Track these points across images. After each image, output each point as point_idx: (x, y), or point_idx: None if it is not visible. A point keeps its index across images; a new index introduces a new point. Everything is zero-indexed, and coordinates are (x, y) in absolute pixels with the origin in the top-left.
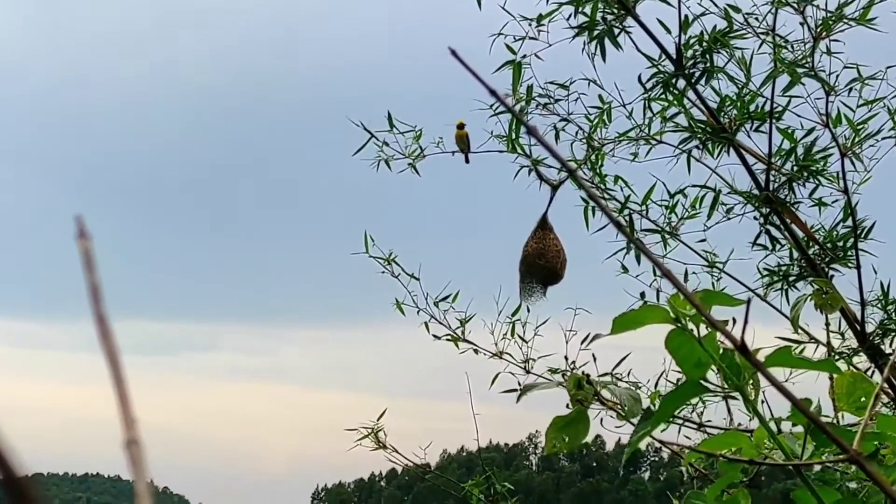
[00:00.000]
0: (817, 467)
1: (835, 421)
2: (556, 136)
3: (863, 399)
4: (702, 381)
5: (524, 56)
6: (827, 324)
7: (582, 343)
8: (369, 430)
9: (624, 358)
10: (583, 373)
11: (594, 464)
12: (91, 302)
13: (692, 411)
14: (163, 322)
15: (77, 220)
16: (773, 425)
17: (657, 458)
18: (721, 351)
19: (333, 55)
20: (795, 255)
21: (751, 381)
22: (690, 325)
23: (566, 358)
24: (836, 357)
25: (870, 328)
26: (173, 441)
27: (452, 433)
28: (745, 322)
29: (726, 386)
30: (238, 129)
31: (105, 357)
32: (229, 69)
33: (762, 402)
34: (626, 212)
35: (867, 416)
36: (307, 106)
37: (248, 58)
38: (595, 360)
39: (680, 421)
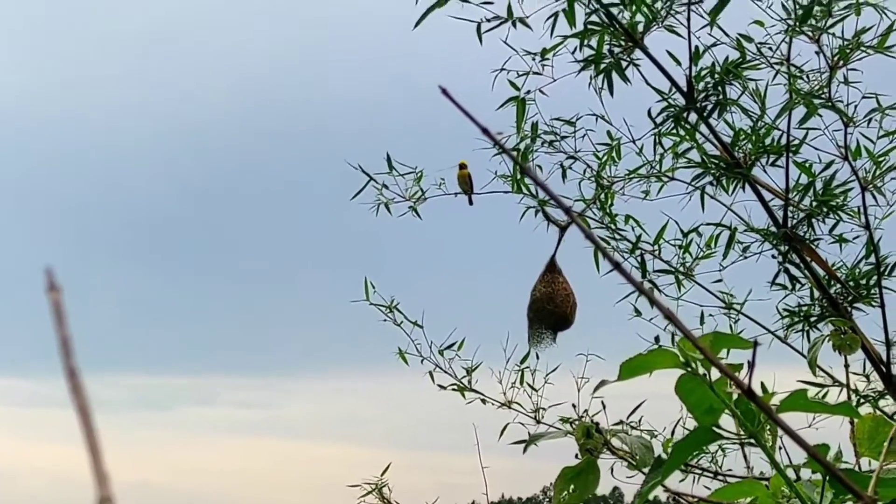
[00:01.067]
0: None
1: (856, 467)
2: (564, 175)
3: (886, 444)
4: (714, 428)
5: (528, 92)
6: (846, 365)
7: (592, 392)
8: (373, 486)
9: (638, 406)
10: (592, 420)
11: None
12: (62, 355)
13: (711, 461)
14: (156, 376)
15: (47, 272)
16: (791, 472)
17: None
18: (735, 396)
19: (330, 94)
20: (816, 294)
21: (767, 427)
22: (701, 370)
23: (574, 406)
24: (861, 401)
25: None
26: (166, 501)
27: (462, 488)
28: (752, 364)
29: (741, 433)
30: (231, 172)
31: (76, 412)
32: (217, 109)
33: (780, 448)
34: (637, 252)
35: (882, 459)
36: (303, 146)
37: (239, 96)
38: (605, 407)
39: (698, 471)
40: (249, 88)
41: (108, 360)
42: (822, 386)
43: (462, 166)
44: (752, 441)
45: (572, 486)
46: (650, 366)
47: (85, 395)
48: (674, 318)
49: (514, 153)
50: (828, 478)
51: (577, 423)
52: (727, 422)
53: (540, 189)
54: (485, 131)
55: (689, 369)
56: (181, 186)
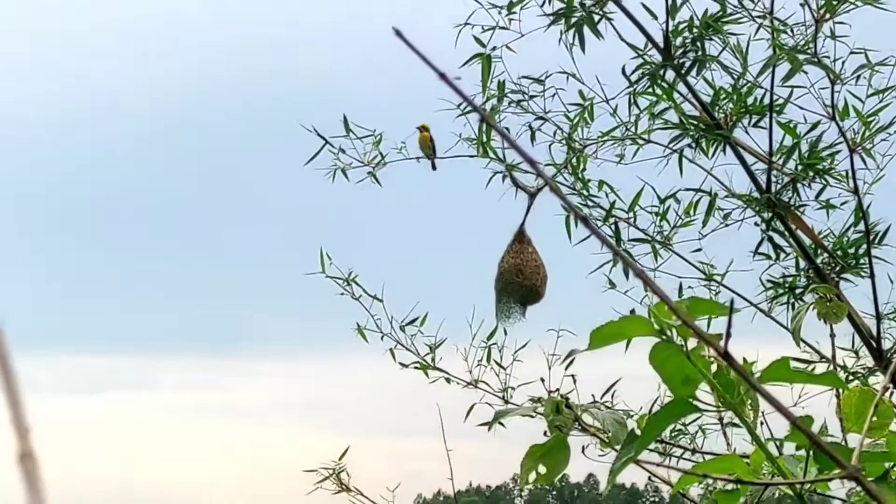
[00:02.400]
0: None
1: (842, 442)
2: (532, 137)
3: (874, 418)
4: (691, 400)
5: (494, 48)
6: (832, 335)
7: (565, 368)
8: (331, 471)
9: (612, 385)
10: (561, 396)
11: None
12: None
13: (690, 441)
14: (88, 356)
15: None
16: (772, 448)
17: (656, 499)
18: (714, 367)
19: (281, 55)
20: (802, 264)
21: (748, 402)
22: (677, 338)
23: (543, 382)
24: (851, 378)
25: (887, 344)
26: (100, 493)
27: (426, 474)
28: (729, 326)
29: (720, 406)
30: (177, 140)
31: None
32: (167, 75)
33: (761, 423)
34: (611, 220)
35: (864, 432)
36: (253, 112)
37: (186, 62)
38: (575, 382)
39: (677, 450)
40: (198, 51)
41: (32, 339)
42: (807, 362)
43: (423, 129)
44: (732, 415)
45: (541, 465)
46: (622, 333)
47: (3, 342)
48: (647, 280)
49: (479, 106)
50: (812, 452)
51: (545, 400)
52: (706, 397)
53: (508, 146)
54: (442, 76)
55: (664, 337)
56: (120, 156)
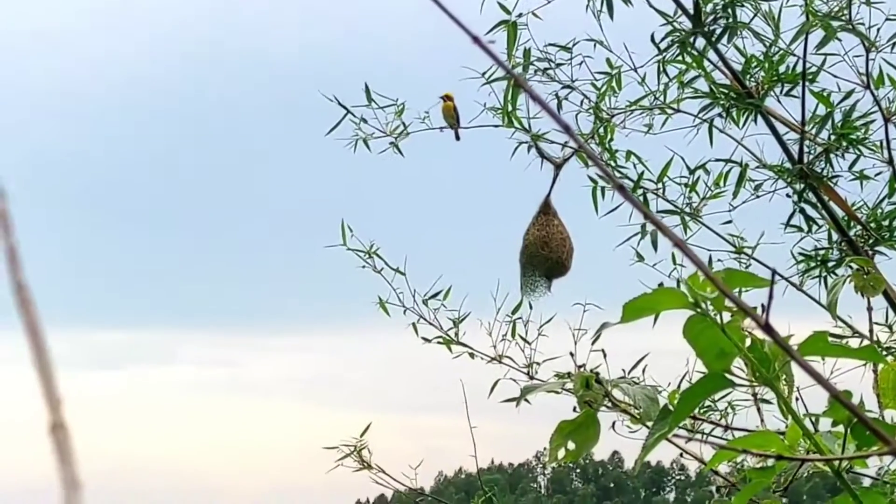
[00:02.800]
0: (866, 482)
1: (880, 418)
2: (559, 106)
3: None
4: (726, 374)
5: (520, 15)
6: (869, 308)
7: (592, 342)
8: (352, 448)
9: (641, 359)
10: (591, 371)
11: (611, 485)
12: (8, 268)
13: (720, 417)
14: (108, 331)
15: None
16: (808, 424)
17: (682, 477)
18: (749, 341)
19: (303, 25)
20: (835, 236)
21: (783, 377)
22: (712, 310)
23: (572, 356)
24: (885, 353)
25: None
26: (122, 471)
27: (448, 452)
28: (770, 300)
29: (755, 381)
30: (196, 114)
31: (25, 330)
32: (177, 47)
33: (796, 399)
34: (639, 192)
35: None
36: (271, 82)
37: (198, 34)
38: (605, 357)
39: (707, 426)
40: (215, 22)
41: (52, 314)
42: (840, 337)
43: (447, 98)
44: (767, 389)
45: (570, 442)
46: (656, 306)
47: (34, 311)
48: (685, 249)
49: (509, 68)
50: (850, 428)
51: (574, 375)
52: (739, 372)
53: (535, 115)
54: (475, 39)
55: (699, 310)
56: (135, 137)
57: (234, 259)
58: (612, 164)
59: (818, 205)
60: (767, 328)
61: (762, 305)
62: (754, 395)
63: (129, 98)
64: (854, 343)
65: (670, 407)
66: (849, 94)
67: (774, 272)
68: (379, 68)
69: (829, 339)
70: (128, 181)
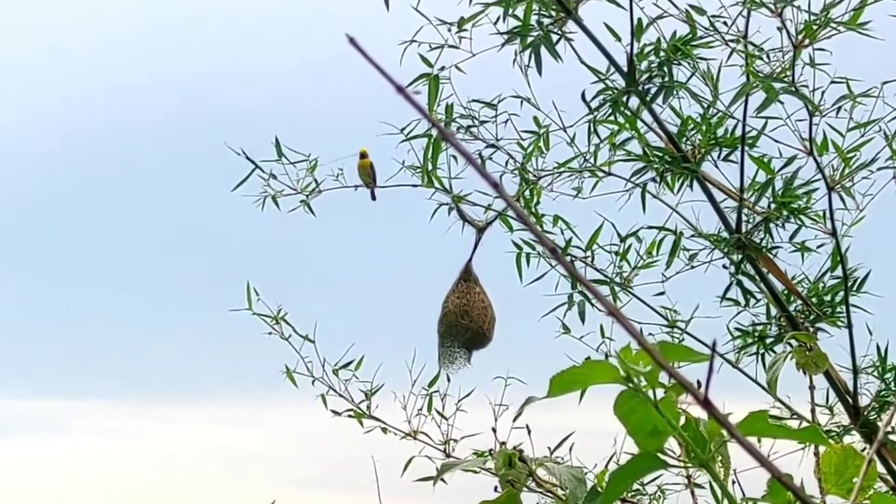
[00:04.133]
0: None
1: None
2: (482, 166)
3: (855, 480)
4: (658, 454)
5: (442, 68)
6: (811, 387)
7: (514, 419)
8: None
9: (567, 437)
10: (514, 448)
11: None
12: None
13: (650, 502)
14: None
15: None
16: None
17: None
18: (683, 420)
19: (207, 72)
20: (773, 311)
21: (719, 457)
22: (644, 386)
23: (494, 432)
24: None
25: (864, 401)
26: None
27: None
28: (710, 373)
29: (689, 462)
30: (86, 162)
31: None
32: (71, 86)
33: (733, 482)
34: (567, 259)
35: (854, 497)
36: (172, 132)
37: (95, 71)
38: (530, 433)
39: None
40: (106, 61)
41: None
42: (778, 418)
43: (363, 155)
44: (701, 472)
45: None
46: (585, 380)
47: None
48: (618, 315)
49: (435, 121)
50: None
51: (495, 453)
52: (671, 453)
53: (460, 167)
54: (399, 89)
55: (631, 385)
56: (20, 177)
57: (131, 322)
58: (539, 228)
59: (756, 277)
60: (706, 404)
61: (698, 381)
62: (688, 477)
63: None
64: (793, 425)
65: (599, 489)
66: (790, 161)
67: (715, 343)
68: (290, 120)
69: (769, 419)
70: (7, 235)
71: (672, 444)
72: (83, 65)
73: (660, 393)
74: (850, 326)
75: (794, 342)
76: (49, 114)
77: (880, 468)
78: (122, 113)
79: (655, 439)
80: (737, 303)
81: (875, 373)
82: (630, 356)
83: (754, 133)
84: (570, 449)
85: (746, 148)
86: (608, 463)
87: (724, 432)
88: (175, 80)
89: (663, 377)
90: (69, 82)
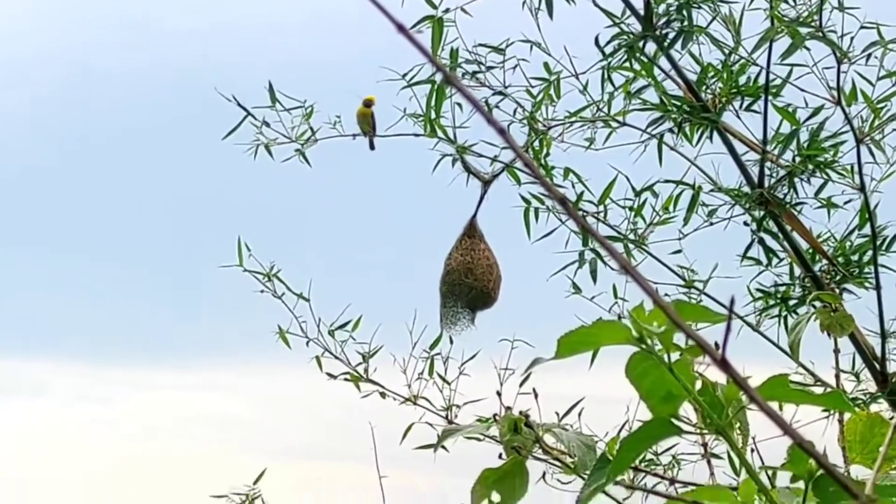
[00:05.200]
0: None
1: (846, 474)
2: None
3: (881, 449)
4: (673, 420)
5: (447, 11)
6: (836, 350)
7: (521, 383)
8: (243, 498)
9: (576, 404)
10: (521, 413)
11: None
12: None
13: (664, 472)
14: None
15: None
16: (764, 478)
17: None
18: (699, 384)
19: (189, 18)
20: (797, 271)
21: (737, 424)
22: (658, 347)
23: (499, 396)
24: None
25: (893, 367)
26: None
27: None
28: (727, 333)
29: (705, 429)
30: (67, 120)
31: None
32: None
33: (751, 451)
34: (578, 214)
35: (881, 458)
36: (158, 74)
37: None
38: (537, 398)
39: (648, 482)
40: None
41: None
42: (801, 384)
43: (367, 103)
44: (718, 441)
45: (494, 493)
46: (595, 340)
47: None
48: (631, 270)
49: (440, 65)
50: (811, 484)
51: (500, 418)
52: (686, 416)
53: (465, 116)
54: (400, 28)
55: (644, 346)
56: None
57: (113, 280)
58: (548, 179)
59: (779, 235)
60: (724, 364)
61: (715, 343)
62: (704, 445)
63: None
64: (817, 392)
65: (609, 456)
66: (817, 111)
67: (732, 301)
68: (285, 64)
69: (790, 384)
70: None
71: (687, 409)
72: (62, 17)
73: (675, 356)
74: (878, 288)
75: (818, 303)
76: (25, 66)
77: None
78: (104, 63)
79: (669, 404)
80: (758, 262)
81: None
82: (643, 316)
83: (778, 81)
84: (580, 415)
85: (770, 97)
86: (620, 430)
87: (743, 397)
88: (161, 28)
89: (678, 338)
90: (50, 34)
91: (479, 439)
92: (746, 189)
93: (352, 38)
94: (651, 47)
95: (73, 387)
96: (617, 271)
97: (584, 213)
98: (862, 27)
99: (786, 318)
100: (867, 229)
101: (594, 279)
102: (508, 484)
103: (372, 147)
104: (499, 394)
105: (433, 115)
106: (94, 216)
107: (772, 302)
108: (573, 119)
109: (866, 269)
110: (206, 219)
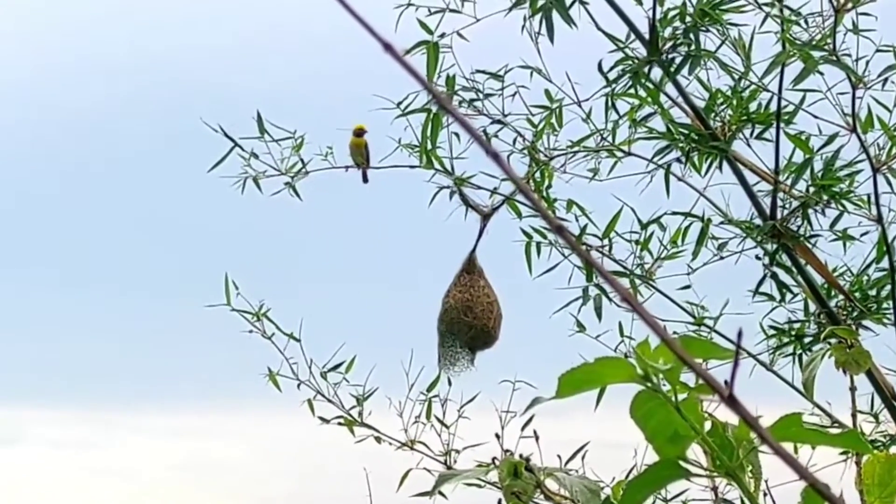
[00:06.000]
0: None
1: None
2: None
3: None
4: (681, 462)
5: (442, 35)
6: (852, 388)
7: (522, 427)
8: None
9: (581, 448)
10: (521, 456)
11: None
12: None
13: None
14: None
15: None
16: None
17: None
18: (708, 425)
19: (174, 42)
20: (812, 307)
21: (749, 466)
22: (665, 385)
23: (499, 439)
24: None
25: None
26: None
27: None
28: (735, 368)
29: (714, 472)
30: (46, 148)
31: None
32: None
33: (764, 494)
34: (581, 247)
35: None
36: (142, 110)
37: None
38: (538, 440)
39: None
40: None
41: None
42: (816, 426)
43: (358, 132)
44: (729, 485)
45: None
46: (598, 379)
47: None
48: (634, 303)
49: (435, 90)
50: None
51: (500, 462)
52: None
53: (462, 146)
54: (387, 48)
55: (649, 384)
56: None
57: (93, 319)
58: (547, 209)
59: (793, 269)
60: (732, 402)
61: (725, 381)
62: (714, 489)
63: None
64: (833, 432)
65: (614, 501)
66: (832, 139)
67: (740, 334)
68: (273, 95)
69: (805, 424)
70: None
71: (696, 451)
72: (41, 38)
73: (682, 394)
74: None
75: (833, 339)
76: (3, 91)
77: None
78: (84, 89)
79: (676, 445)
80: (771, 298)
81: None
82: (648, 352)
83: (791, 108)
84: (584, 460)
85: (782, 124)
86: (627, 475)
87: (755, 438)
88: (144, 52)
89: (686, 376)
90: (29, 57)
91: (478, 485)
92: (758, 221)
93: (343, 64)
94: (657, 73)
95: (52, 433)
96: (623, 308)
97: (588, 248)
98: (878, 50)
99: (800, 356)
100: (885, 262)
101: (599, 316)
102: None
103: (365, 180)
104: (498, 436)
105: (429, 146)
106: (73, 252)
107: (785, 339)
108: (576, 149)
109: (885, 305)
110: (191, 254)
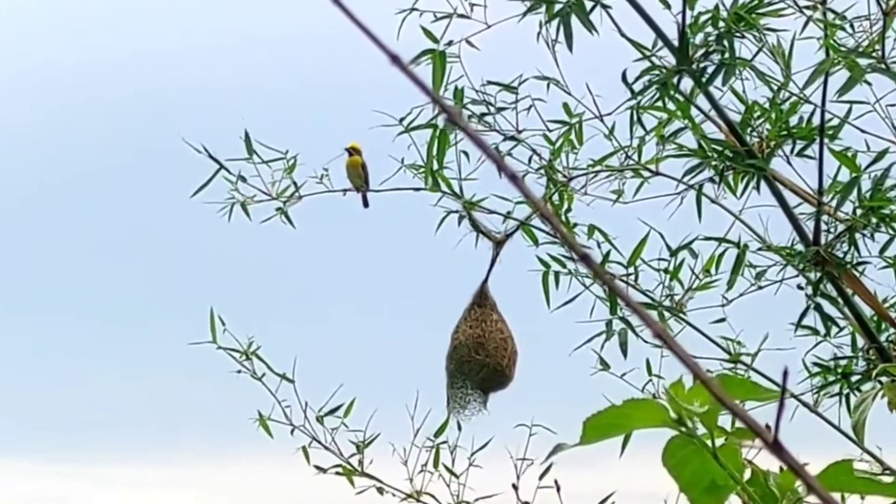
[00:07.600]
0: None
1: None
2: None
3: None
4: None
5: (450, 43)
6: None
7: (541, 476)
8: None
9: (606, 499)
10: None
11: None
12: None
13: None
14: None
15: None
16: None
17: None
18: (748, 472)
19: (169, 52)
20: (860, 342)
21: None
22: (701, 430)
23: (516, 490)
24: None
25: None
26: None
27: None
28: (780, 409)
29: None
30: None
31: None
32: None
33: None
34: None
35: None
36: (123, 124)
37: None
38: (559, 491)
39: None
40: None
41: None
42: (869, 473)
43: (353, 151)
44: None
45: None
46: (626, 423)
47: None
48: (666, 338)
49: (443, 101)
50: None
51: None
52: None
53: (472, 165)
54: (393, 58)
55: (684, 429)
56: None
57: (62, 359)
58: (568, 233)
59: (839, 300)
60: (777, 448)
61: (767, 425)
62: None
63: None
64: (886, 481)
65: None
66: (881, 156)
67: (786, 373)
68: (263, 111)
69: (854, 471)
70: None
71: (735, 502)
72: (19, 60)
73: (720, 440)
74: None
75: (884, 378)
76: None
77: None
78: (53, 101)
79: (714, 496)
80: (815, 331)
81: None
82: (682, 393)
83: (836, 121)
84: None
85: (826, 140)
86: None
87: (800, 487)
88: (121, 60)
89: (724, 419)
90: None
91: None
92: (800, 247)
93: (341, 76)
94: (687, 84)
95: (21, 486)
96: (651, 343)
97: (612, 277)
98: None
99: (847, 395)
100: None
101: (624, 353)
102: None
103: (365, 204)
104: (515, 487)
105: (435, 166)
106: (43, 287)
107: (831, 378)
108: (598, 168)
109: None
110: (173, 285)
